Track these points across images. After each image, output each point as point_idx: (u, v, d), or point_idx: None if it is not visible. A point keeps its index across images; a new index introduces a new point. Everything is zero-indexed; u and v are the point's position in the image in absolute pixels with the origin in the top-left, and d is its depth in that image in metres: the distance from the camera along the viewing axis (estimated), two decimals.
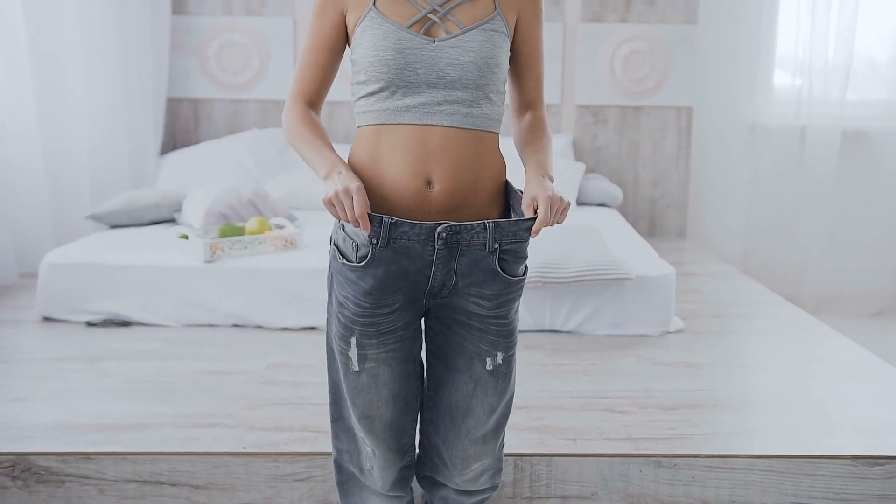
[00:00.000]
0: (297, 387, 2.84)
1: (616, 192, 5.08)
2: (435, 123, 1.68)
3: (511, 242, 1.66)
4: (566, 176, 4.84)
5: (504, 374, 1.79)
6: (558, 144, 5.27)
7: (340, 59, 1.79)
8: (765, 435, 2.50)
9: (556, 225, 1.72)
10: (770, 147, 5.24)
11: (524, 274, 1.75)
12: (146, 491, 2.32)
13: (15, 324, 3.52)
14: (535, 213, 1.62)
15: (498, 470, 1.95)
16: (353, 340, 1.72)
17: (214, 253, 3.55)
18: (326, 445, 2.37)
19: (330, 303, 1.78)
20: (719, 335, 3.47)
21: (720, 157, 5.47)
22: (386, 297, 1.68)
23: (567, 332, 3.46)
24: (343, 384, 1.82)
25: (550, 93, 5.40)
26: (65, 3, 4.47)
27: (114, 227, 4.26)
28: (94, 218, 4.22)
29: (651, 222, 5.60)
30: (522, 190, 1.71)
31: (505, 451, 2.33)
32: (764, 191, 5.29)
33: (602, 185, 5.07)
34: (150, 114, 5.15)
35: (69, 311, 3.54)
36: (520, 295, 1.77)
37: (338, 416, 1.93)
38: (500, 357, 1.76)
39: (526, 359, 3.15)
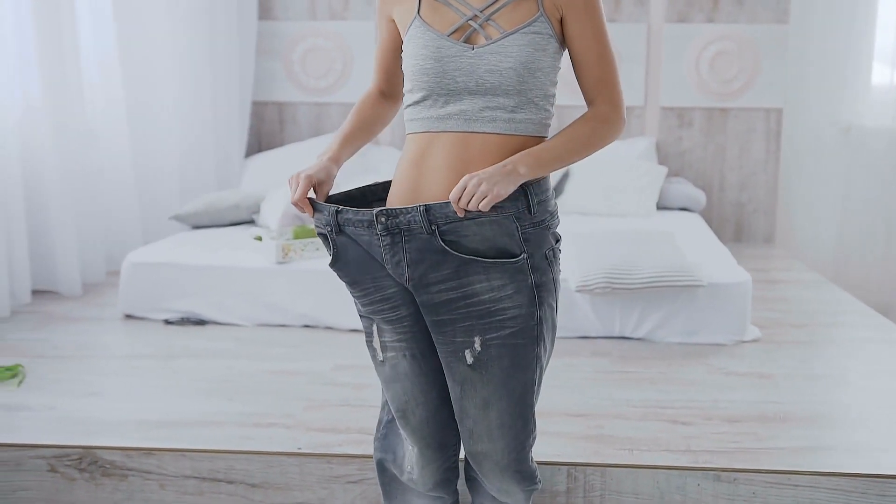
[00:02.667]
0: (358, 389, 2.87)
1: (699, 196, 4.96)
2: (476, 130, 1.68)
3: (447, 223, 1.62)
4: (646, 180, 4.76)
5: (488, 362, 1.69)
6: (641, 147, 5.18)
7: (401, 54, 1.83)
8: (835, 452, 2.40)
9: (475, 208, 1.58)
10: (866, 149, 5.02)
11: (497, 257, 1.65)
12: (204, 487, 2.38)
13: (99, 321, 3.66)
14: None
15: (527, 475, 1.84)
16: (374, 329, 1.78)
17: (286, 254, 3.62)
18: None
19: None
20: (799, 345, 3.35)
21: (812, 161, 5.28)
22: (365, 283, 1.72)
23: (637, 340, 3.40)
24: (379, 378, 1.86)
25: (634, 95, 5.32)
26: (154, 10, 4.63)
27: (196, 227, 4.39)
28: (177, 219, 4.35)
29: (737, 228, 5.45)
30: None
31: (559, 459, 2.31)
32: (859, 196, 5.07)
33: (685, 189, 4.97)
34: (236, 117, 5.28)
35: (149, 309, 3.66)
36: (494, 277, 1.65)
37: (382, 418, 1.96)
38: (477, 343, 1.68)
39: (592, 366, 3.11)
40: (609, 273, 3.29)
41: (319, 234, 1.73)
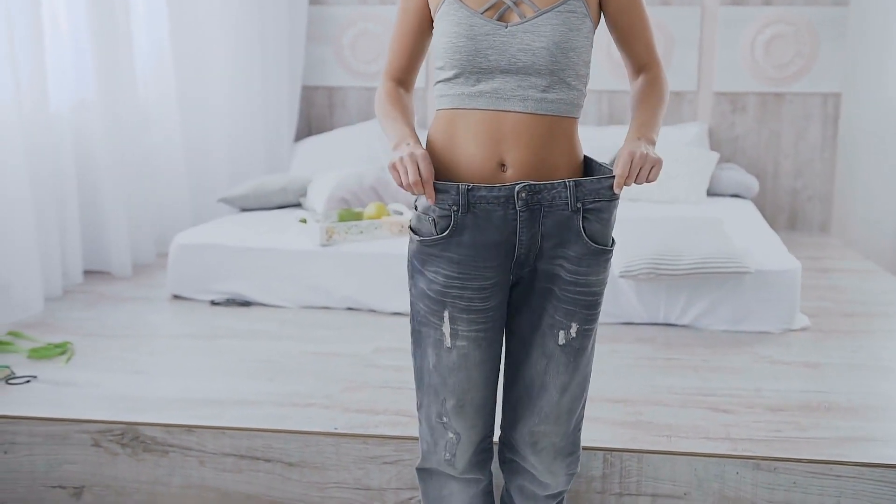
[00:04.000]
0: (398, 371, 2.89)
1: (751, 183, 4.87)
2: (508, 109, 1.67)
3: (594, 201, 1.65)
4: (696, 166, 4.69)
5: (577, 349, 1.75)
6: (692, 133, 5.10)
7: (429, 39, 1.82)
8: (880, 443, 2.35)
9: (645, 184, 1.67)
10: None
11: (611, 246, 1.72)
12: (242, 465, 2.41)
13: (147, 301, 3.74)
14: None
15: (574, 458, 1.90)
16: (446, 314, 1.72)
17: (331, 237, 3.65)
18: (416, 430, 2.40)
19: (414, 285, 1.79)
20: (849, 335, 3.28)
21: (870, 148, 5.15)
22: (477, 267, 1.68)
23: (683, 327, 3.36)
24: (430, 369, 1.82)
25: (686, 80, 5.24)
26: None
27: (244, 210, 4.44)
28: (226, 201, 4.41)
29: (792, 215, 5.35)
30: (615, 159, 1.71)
31: (595, 444, 2.30)
32: None
33: (736, 176, 4.88)
34: (286, 102, 5.33)
35: (196, 290, 3.72)
36: (606, 269, 1.73)
37: (420, 404, 1.94)
38: (574, 330, 1.72)
39: (635, 352, 3.08)
40: (653, 259, 3.26)
41: (423, 215, 1.69)
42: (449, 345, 1.75)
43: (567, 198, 1.64)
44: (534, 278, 1.73)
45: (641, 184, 1.66)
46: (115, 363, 2.96)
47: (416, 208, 1.74)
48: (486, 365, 1.79)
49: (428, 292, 1.74)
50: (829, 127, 5.22)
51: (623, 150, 1.62)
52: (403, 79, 1.83)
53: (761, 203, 5.28)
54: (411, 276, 1.80)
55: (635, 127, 1.70)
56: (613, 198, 1.67)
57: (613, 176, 1.63)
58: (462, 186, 1.63)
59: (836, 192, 5.30)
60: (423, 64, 3.50)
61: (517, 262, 1.70)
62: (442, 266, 1.70)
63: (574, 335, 1.73)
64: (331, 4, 5.51)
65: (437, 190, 1.65)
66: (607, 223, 1.70)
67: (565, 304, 1.72)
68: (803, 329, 3.31)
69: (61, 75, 3.82)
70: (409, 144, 1.63)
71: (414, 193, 1.62)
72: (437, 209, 1.66)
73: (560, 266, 1.69)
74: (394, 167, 1.60)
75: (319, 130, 5.66)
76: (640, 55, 1.78)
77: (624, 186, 1.62)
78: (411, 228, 1.76)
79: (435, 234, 1.68)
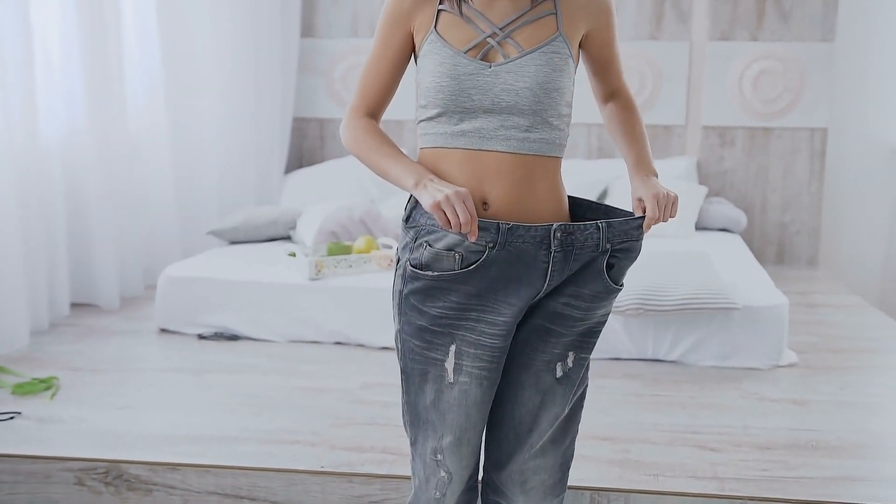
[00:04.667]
0: (385, 406, 2.87)
1: (739, 217, 4.89)
2: (490, 149, 1.66)
3: (623, 242, 1.65)
4: (685, 199, 4.70)
5: (573, 379, 1.74)
6: (681, 167, 5.13)
7: (404, 71, 1.78)
8: (870, 483, 2.34)
9: (669, 220, 1.69)
10: None
11: (620, 284, 1.72)
12: None
13: (135, 334, 3.71)
14: (644, 212, 1.65)
15: (560, 500, 1.87)
16: (453, 348, 1.68)
17: (320, 271, 3.64)
18: (404, 468, 2.38)
19: (407, 322, 1.72)
20: (837, 371, 3.28)
21: (857, 182, 5.19)
22: (497, 301, 1.65)
23: (670, 362, 3.36)
24: (427, 405, 1.77)
25: (675, 114, 5.27)
26: (198, 29, 4.71)
27: (233, 242, 4.43)
28: (215, 234, 4.40)
29: (780, 249, 5.36)
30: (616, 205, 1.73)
31: (583, 483, 2.28)
32: None
33: (725, 210, 4.90)
34: (278, 133, 5.34)
35: (184, 324, 3.70)
36: (612, 303, 1.75)
37: (415, 440, 1.91)
38: (570, 359, 1.71)
39: (623, 389, 3.07)
40: (641, 294, 3.26)
41: (446, 252, 1.64)
42: (451, 380, 1.71)
43: (598, 239, 1.64)
44: (533, 315, 1.70)
45: (666, 221, 1.68)
46: (102, 398, 2.94)
47: (425, 245, 1.67)
48: (484, 406, 1.76)
49: (431, 327, 1.68)
50: (816, 161, 5.25)
51: (644, 193, 1.64)
52: (376, 111, 1.78)
53: (749, 237, 5.29)
54: (403, 314, 1.73)
55: (638, 163, 1.72)
56: (639, 237, 1.68)
57: (640, 217, 1.65)
58: (503, 225, 1.60)
59: (824, 226, 5.32)
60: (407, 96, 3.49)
61: (535, 302, 1.69)
62: (456, 298, 1.65)
63: (571, 365, 1.72)
64: (322, 37, 5.54)
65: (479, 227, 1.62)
66: (630, 263, 1.71)
67: (566, 338, 1.70)
68: (791, 365, 3.31)
69: (52, 106, 3.83)
70: (433, 181, 1.59)
71: (461, 233, 1.58)
72: (473, 244, 1.62)
73: (569, 305, 1.68)
74: (438, 207, 1.54)
75: (310, 162, 5.66)
76: (613, 82, 1.82)
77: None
78: (415, 266, 1.68)
79: (456, 269, 1.64)
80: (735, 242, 4.57)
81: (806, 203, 5.30)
